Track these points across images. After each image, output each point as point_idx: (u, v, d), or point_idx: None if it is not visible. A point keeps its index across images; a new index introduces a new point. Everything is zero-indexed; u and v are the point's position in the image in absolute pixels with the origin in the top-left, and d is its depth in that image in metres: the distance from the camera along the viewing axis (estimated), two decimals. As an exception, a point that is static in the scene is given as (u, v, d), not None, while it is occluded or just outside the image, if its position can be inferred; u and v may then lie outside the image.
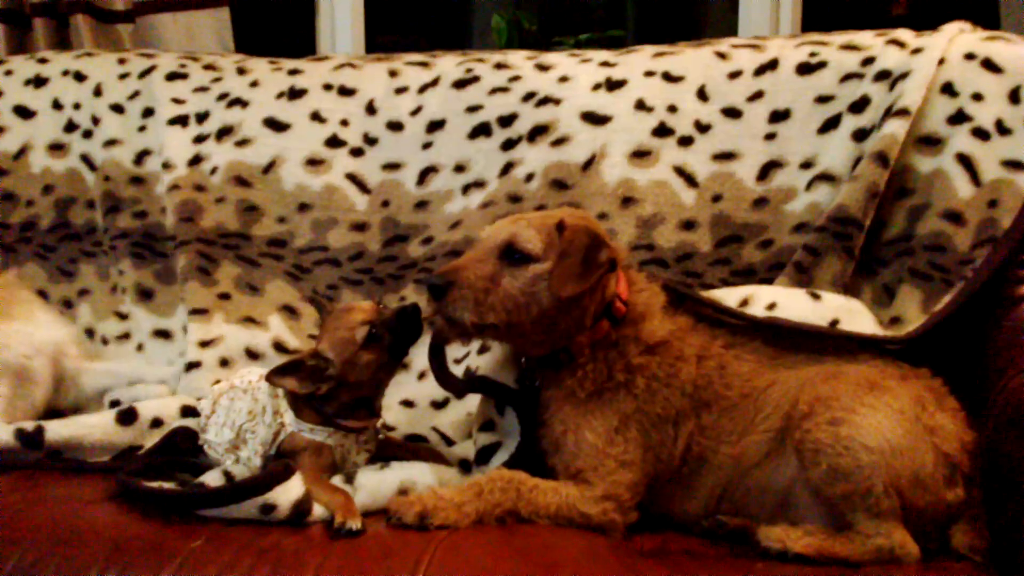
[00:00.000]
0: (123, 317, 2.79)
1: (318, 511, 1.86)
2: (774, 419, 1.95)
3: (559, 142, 2.56)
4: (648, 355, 2.00)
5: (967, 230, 2.22)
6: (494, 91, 2.68)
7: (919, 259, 2.26)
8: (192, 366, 2.54)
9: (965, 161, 2.26)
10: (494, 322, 1.90)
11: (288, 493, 1.85)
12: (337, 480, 1.97)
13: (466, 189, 2.65)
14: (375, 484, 1.95)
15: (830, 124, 2.43)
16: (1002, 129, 2.26)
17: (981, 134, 2.27)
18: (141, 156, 2.89)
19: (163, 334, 2.71)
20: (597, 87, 2.60)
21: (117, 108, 2.93)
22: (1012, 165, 2.22)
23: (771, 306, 2.13)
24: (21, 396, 2.38)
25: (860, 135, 2.37)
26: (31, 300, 2.66)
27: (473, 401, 2.40)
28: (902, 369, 1.99)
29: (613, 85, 2.59)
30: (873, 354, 2.04)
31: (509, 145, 2.62)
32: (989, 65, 2.32)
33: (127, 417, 2.31)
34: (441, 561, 1.64)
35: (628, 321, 2.02)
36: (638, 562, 1.72)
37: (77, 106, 2.97)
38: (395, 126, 2.76)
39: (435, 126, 2.72)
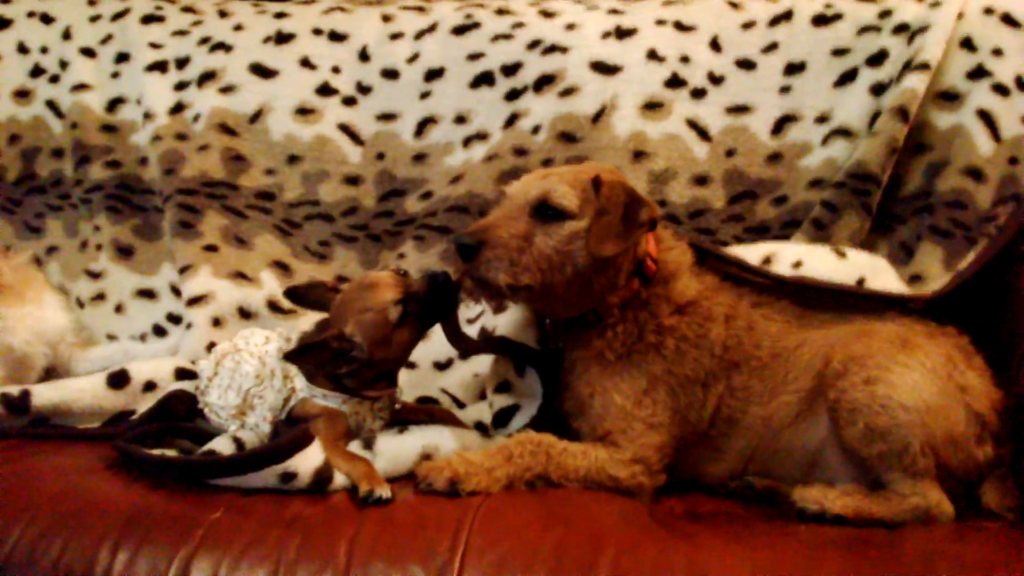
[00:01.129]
0: (95, 276, 2.63)
1: (339, 479, 1.76)
2: (805, 379, 1.91)
3: (567, 92, 2.46)
4: (678, 315, 1.93)
5: (988, 187, 2.20)
6: (496, 38, 2.56)
7: (940, 216, 2.23)
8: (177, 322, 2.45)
9: (985, 117, 2.23)
10: (529, 283, 1.81)
11: (308, 460, 1.74)
12: (355, 446, 1.87)
13: (468, 141, 2.54)
14: (395, 450, 1.86)
15: (847, 77, 2.38)
16: (1022, 85, 2.23)
17: (1001, 90, 2.24)
18: (114, 103, 2.73)
19: (146, 294, 2.57)
20: (606, 35, 2.50)
21: (88, 52, 2.75)
22: (1033, 122, 2.20)
23: (797, 264, 2.08)
24: (14, 380, 2.24)
25: (878, 89, 2.32)
26: (42, 283, 2.53)
27: (478, 362, 2.33)
28: (929, 327, 1.96)
29: (623, 34, 2.49)
30: (900, 312, 2.01)
31: (514, 95, 2.52)
32: (1008, 20, 2.28)
33: (118, 380, 2.18)
34: (482, 530, 1.57)
35: (658, 280, 1.95)
36: (681, 526, 1.67)
37: (44, 50, 2.79)
38: (390, 74, 2.63)
39: (433, 74, 2.59)
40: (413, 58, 2.62)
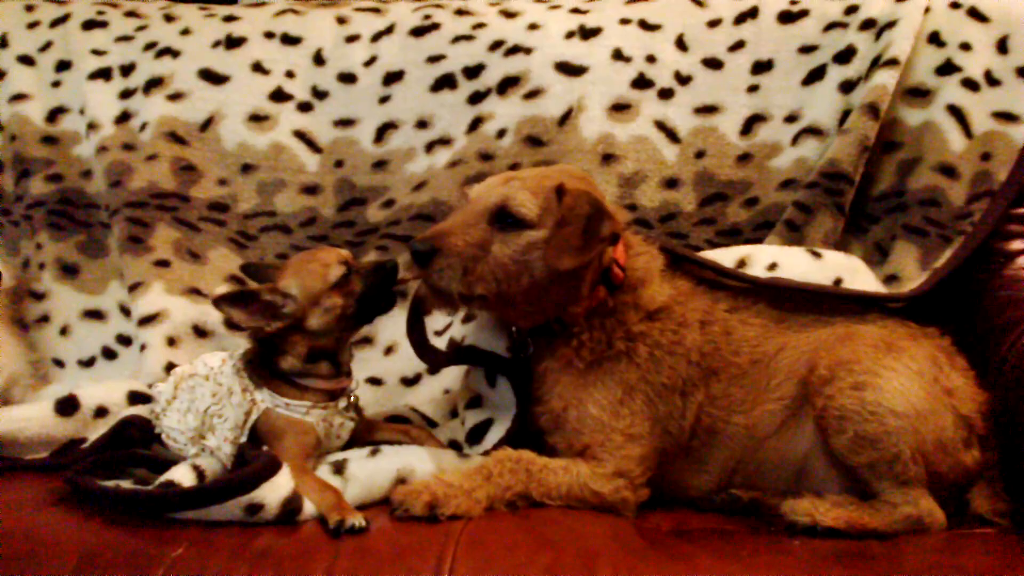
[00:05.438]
0: (39, 297, 2.49)
1: (309, 509, 1.66)
2: (788, 386, 1.86)
3: (532, 94, 2.39)
4: (649, 322, 1.87)
5: (961, 183, 2.17)
6: (457, 39, 2.48)
7: (913, 214, 2.20)
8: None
9: (956, 113, 2.20)
10: (483, 293, 1.75)
11: (276, 490, 1.64)
12: (325, 471, 1.77)
13: (430, 147, 2.45)
14: (368, 474, 1.77)
15: (815, 75, 2.34)
16: (991, 80, 2.21)
17: (971, 85, 2.21)
18: (55, 113, 2.60)
19: (94, 314, 2.44)
20: (570, 35, 2.43)
21: (26, 60, 2.62)
22: (1003, 117, 2.18)
23: (772, 266, 2.03)
24: None
25: (847, 87, 2.29)
26: None
27: (448, 377, 2.25)
28: (911, 329, 1.92)
29: (588, 33, 2.43)
30: (881, 313, 1.97)
31: (477, 98, 2.43)
32: (975, 14, 2.26)
33: (67, 406, 2.06)
34: (467, 557, 1.48)
35: (627, 287, 1.88)
36: (674, 546, 1.59)
37: (-21, 59, 2.64)
38: (347, 78, 2.53)
39: (392, 78, 2.50)
40: (370, 61, 2.53)
